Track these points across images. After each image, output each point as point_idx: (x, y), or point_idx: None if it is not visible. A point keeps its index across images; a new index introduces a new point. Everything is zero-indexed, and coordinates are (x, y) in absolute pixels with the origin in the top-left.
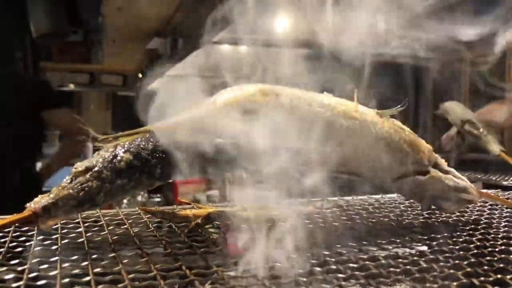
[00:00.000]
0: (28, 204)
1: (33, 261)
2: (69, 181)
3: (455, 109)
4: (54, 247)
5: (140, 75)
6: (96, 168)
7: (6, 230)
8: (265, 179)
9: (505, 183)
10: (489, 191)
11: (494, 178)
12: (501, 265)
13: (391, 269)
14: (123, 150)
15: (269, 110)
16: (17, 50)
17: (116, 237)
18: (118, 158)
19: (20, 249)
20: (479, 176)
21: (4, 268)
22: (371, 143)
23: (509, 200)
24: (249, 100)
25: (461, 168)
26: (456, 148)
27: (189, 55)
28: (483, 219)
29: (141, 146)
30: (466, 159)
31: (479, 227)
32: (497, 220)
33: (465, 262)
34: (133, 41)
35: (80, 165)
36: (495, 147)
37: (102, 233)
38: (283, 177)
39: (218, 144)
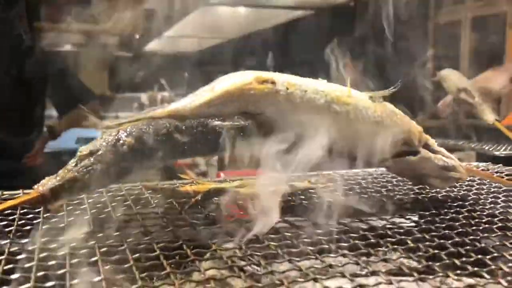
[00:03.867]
0: (35, 186)
1: (42, 240)
2: (74, 164)
3: (451, 77)
4: (61, 225)
5: (137, 36)
6: (100, 152)
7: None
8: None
9: (496, 153)
10: (480, 164)
11: (487, 148)
12: (483, 245)
13: (381, 241)
14: (125, 134)
15: (266, 97)
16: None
17: (119, 214)
18: (121, 141)
19: (28, 227)
20: (472, 146)
21: (16, 248)
22: (364, 126)
23: (497, 176)
24: (246, 88)
25: (456, 135)
26: (452, 115)
27: (186, 15)
28: (471, 195)
29: (143, 130)
30: (461, 126)
31: (466, 203)
32: (484, 196)
33: (450, 241)
34: (129, 1)
35: (84, 149)
36: (489, 116)
37: (106, 210)
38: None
39: (215, 126)
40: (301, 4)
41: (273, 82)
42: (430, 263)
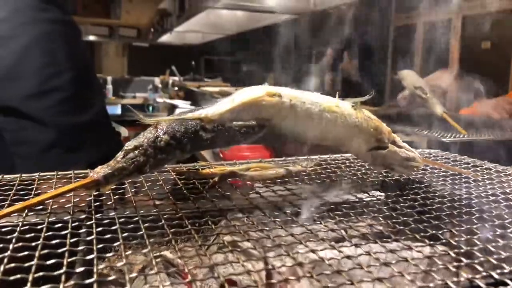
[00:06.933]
0: (91, 173)
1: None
2: (121, 156)
3: (409, 76)
4: (109, 203)
5: (152, 30)
6: (143, 147)
7: None
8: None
9: (443, 139)
10: (432, 150)
11: (436, 135)
12: (436, 222)
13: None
14: (162, 132)
15: (274, 107)
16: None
17: (154, 193)
18: (159, 138)
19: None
20: (425, 133)
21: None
22: (348, 129)
23: (445, 164)
24: (258, 100)
25: (411, 123)
26: (408, 105)
27: (193, 16)
28: (426, 178)
29: (176, 129)
30: (415, 115)
31: (422, 185)
32: (435, 179)
33: (414, 210)
34: (146, 1)
35: (130, 144)
36: (438, 109)
37: (143, 189)
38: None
39: (230, 125)
40: (288, 10)
41: (279, 95)
42: (401, 227)
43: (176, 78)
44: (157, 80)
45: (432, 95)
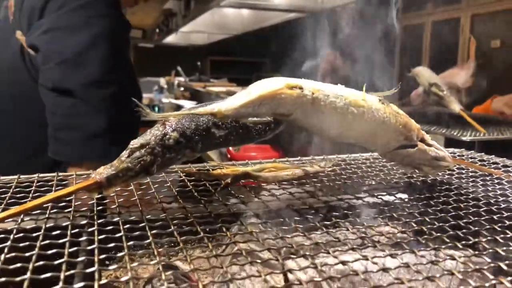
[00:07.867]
0: (92, 174)
1: (98, 221)
2: (126, 155)
3: (423, 73)
4: (113, 206)
5: (157, 30)
6: (149, 145)
7: None
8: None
9: (464, 138)
10: (455, 150)
11: (454, 133)
12: (476, 228)
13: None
14: (171, 129)
15: (295, 100)
16: None
17: (162, 196)
18: (167, 136)
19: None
20: (442, 131)
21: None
22: (375, 125)
23: (475, 164)
24: (277, 92)
25: (427, 121)
26: (422, 103)
27: (199, 15)
28: (454, 179)
29: (186, 125)
30: (430, 113)
31: (452, 187)
32: (465, 180)
33: (447, 224)
34: (151, 1)
35: (136, 142)
36: (456, 106)
37: (150, 192)
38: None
39: (245, 121)
40: (296, 8)
41: (301, 88)
42: (438, 234)
43: (182, 79)
44: (162, 81)
45: (449, 92)
